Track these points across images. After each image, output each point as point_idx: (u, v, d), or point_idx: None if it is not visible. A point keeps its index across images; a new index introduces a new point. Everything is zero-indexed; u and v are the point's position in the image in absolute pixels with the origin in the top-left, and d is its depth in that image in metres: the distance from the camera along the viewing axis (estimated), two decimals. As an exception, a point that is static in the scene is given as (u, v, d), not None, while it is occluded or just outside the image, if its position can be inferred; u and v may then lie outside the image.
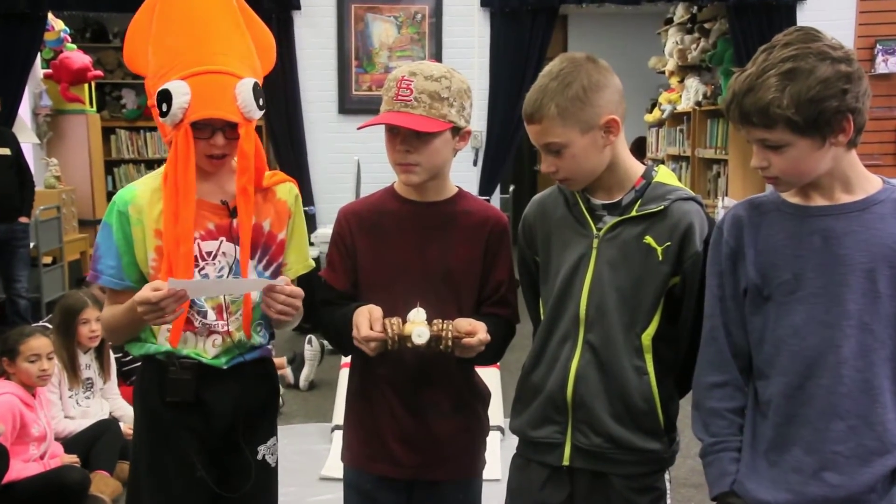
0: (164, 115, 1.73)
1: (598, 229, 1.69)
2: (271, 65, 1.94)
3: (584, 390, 1.68)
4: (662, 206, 1.65)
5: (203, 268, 1.82)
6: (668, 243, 1.65)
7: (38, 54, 6.41)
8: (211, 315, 1.84)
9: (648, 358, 1.67)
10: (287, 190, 1.93)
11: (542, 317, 1.77)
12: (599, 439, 1.68)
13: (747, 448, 1.53)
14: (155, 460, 1.87)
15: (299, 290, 1.79)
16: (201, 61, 1.74)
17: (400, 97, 1.71)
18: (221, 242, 1.83)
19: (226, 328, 1.84)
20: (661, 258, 1.64)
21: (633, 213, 1.67)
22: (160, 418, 1.86)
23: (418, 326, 1.65)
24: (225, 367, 1.85)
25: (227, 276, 1.83)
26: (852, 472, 1.41)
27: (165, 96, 1.72)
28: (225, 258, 1.83)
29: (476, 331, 1.66)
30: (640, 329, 1.67)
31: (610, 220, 1.69)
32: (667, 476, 1.74)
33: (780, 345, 1.47)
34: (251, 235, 1.82)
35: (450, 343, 1.65)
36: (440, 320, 1.67)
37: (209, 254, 1.82)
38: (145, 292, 1.66)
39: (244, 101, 1.74)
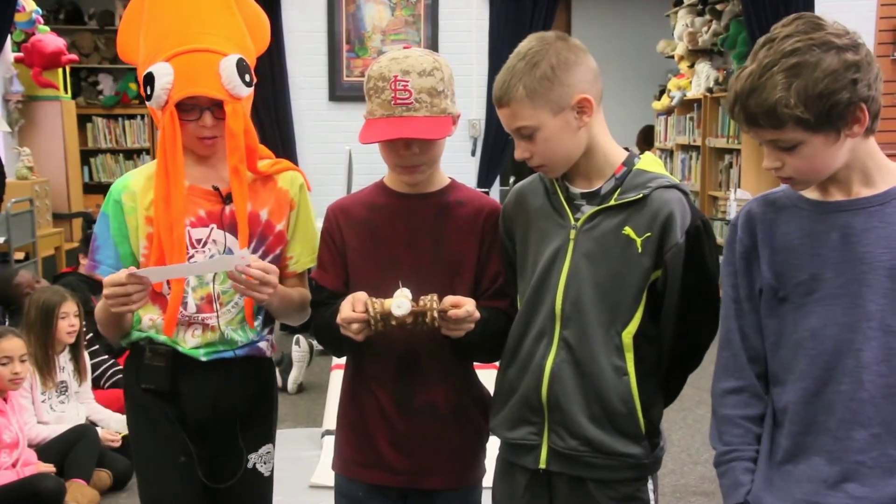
0: (149, 98, 1.80)
1: (577, 220, 1.69)
2: (265, 44, 2.01)
3: (560, 391, 1.67)
4: (642, 195, 1.64)
5: (192, 255, 1.86)
6: (648, 234, 1.64)
7: (9, 37, 6.37)
8: (192, 306, 1.88)
9: (629, 357, 1.66)
10: (290, 179, 1.96)
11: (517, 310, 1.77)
12: (576, 442, 1.67)
13: (764, 459, 1.52)
14: (141, 449, 1.96)
15: (271, 266, 1.79)
16: (184, 41, 1.81)
17: (399, 101, 1.69)
18: (212, 229, 1.87)
19: (210, 321, 1.88)
20: (640, 250, 1.64)
21: (612, 203, 1.66)
22: (140, 405, 1.94)
23: (398, 298, 1.65)
24: (203, 360, 1.89)
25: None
26: (876, 483, 1.40)
27: (149, 79, 1.79)
28: (215, 245, 1.87)
29: (462, 304, 1.66)
30: (620, 326, 1.66)
31: (588, 210, 1.68)
32: (650, 485, 1.73)
33: (797, 349, 1.47)
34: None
35: (435, 315, 1.64)
36: (425, 296, 1.67)
37: (199, 241, 1.87)
38: (109, 277, 1.73)
39: (228, 78, 1.80)
